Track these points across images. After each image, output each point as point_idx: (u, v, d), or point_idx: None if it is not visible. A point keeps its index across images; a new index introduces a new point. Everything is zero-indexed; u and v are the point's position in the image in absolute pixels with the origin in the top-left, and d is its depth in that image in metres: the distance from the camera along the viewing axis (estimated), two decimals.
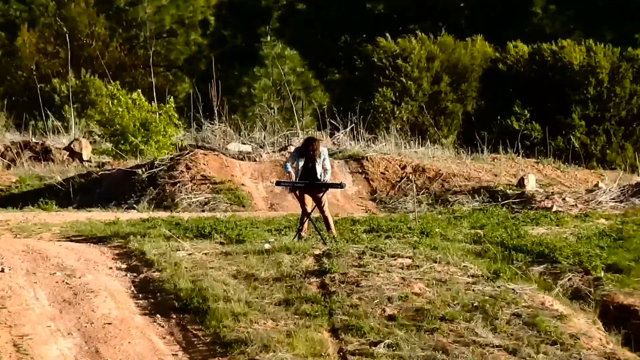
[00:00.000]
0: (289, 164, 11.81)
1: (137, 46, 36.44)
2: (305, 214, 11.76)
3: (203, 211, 17.45)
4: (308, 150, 11.57)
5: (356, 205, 19.51)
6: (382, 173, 21.11)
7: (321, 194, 11.65)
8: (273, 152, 22.89)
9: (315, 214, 12.43)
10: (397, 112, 28.50)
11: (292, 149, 22.71)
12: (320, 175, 11.57)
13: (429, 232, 12.86)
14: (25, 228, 13.11)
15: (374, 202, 19.87)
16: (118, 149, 22.59)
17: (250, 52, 32.51)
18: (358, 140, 24.01)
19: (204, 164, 19.50)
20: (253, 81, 30.41)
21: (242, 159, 21.86)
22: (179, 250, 10.75)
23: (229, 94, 28.68)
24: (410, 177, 20.59)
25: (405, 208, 18.93)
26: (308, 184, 11.66)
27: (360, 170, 21.17)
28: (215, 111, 25.27)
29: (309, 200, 11.75)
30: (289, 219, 14.74)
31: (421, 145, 24.50)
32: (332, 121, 24.76)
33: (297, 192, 11.85)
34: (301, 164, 11.63)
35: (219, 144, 24.06)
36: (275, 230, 13.17)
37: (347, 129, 24.33)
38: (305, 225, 11.89)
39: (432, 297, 9.06)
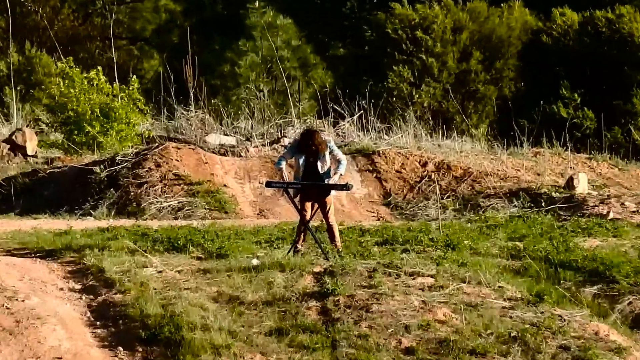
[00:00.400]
0: (283, 161, 11.81)
1: (93, 14, 36.42)
2: (303, 221, 11.76)
3: (176, 218, 17.46)
4: (307, 146, 11.57)
5: (366, 212, 19.52)
6: (397, 171, 21.11)
7: (325, 197, 11.65)
8: (263, 145, 22.90)
9: (315, 221, 12.42)
10: (416, 96, 28.52)
11: (286, 141, 22.76)
12: (325, 174, 11.57)
13: (455, 245, 12.89)
14: None
15: (387, 208, 19.87)
16: (71, 141, 22.59)
17: (234, 21, 32.49)
18: (368, 130, 24.01)
19: (177, 160, 19.49)
20: (238, 57, 30.41)
21: (224, 154, 21.85)
22: (146, 267, 10.74)
23: (207, 73, 28.68)
24: (433, 176, 20.60)
25: (427, 215, 18.94)
26: (305, 185, 11.67)
27: (371, 168, 21.18)
28: (191, 94, 25.26)
29: (309, 205, 11.76)
30: (282, 229, 14.73)
31: (446, 137, 24.51)
32: (335, 107, 24.77)
33: (297, 195, 11.86)
34: (301, 160, 11.64)
35: (196, 136, 24.06)
36: (266, 242, 13.17)
37: (355, 117, 24.33)
38: (302, 234, 11.91)
39: (460, 325, 9.05)
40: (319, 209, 11.84)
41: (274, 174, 19.85)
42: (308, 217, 11.79)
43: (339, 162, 11.66)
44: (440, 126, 25.07)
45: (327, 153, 11.62)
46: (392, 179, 20.81)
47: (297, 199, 11.96)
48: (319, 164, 11.58)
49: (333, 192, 11.84)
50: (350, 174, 20.23)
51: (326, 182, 11.62)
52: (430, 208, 19.25)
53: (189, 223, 15.63)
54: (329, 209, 11.78)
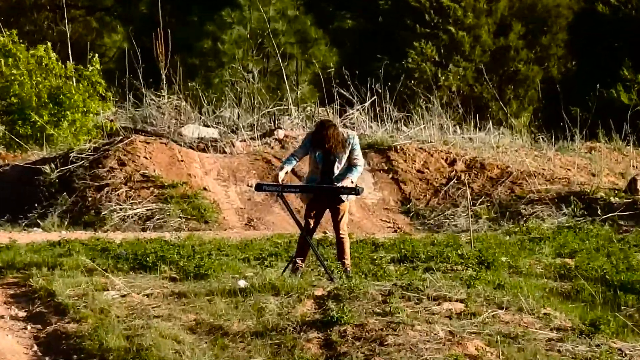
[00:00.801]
0: (291, 162, 11.73)
1: None
2: (306, 233, 11.75)
3: (144, 230, 17.48)
4: (320, 142, 11.58)
5: (379, 221, 19.50)
6: (419, 171, 21.10)
7: (340, 203, 11.65)
8: (252, 139, 22.91)
9: (316, 233, 12.41)
10: (443, 78, 28.53)
11: (280, 134, 22.76)
12: (340, 176, 11.60)
13: (491, 263, 12.94)
14: None
15: (406, 216, 19.85)
16: (14, 134, 22.58)
17: None
18: (382, 120, 24.01)
19: (146, 158, 19.48)
20: (221, 31, 30.41)
21: (204, 150, 21.85)
22: (107, 290, 10.74)
23: (183, 51, 28.68)
24: (463, 177, 20.58)
25: (455, 225, 18.94)
26: (306, 189, 11.69)
27: (386, 167, 21.17)
28: (163, 77, 25.25)
29: (315, 213, 11.76)
30: (275, 242, 14.75)
31: (479, 129, 24.51)
32: (342, 92, 24.76)
33: (303, 200, 11.90)
34: (318, 157, 11.63)
35: (169, 127, 24.07)
36: (255, 259, 13.22)
37: (366, 104, 24.33)
38: (304, 248, 11.91)
39: None
40: (321, 219, 11.85)
41: (265, 174, 19.85)
42: (311, 225, 11.79)
43: (354, 165, 11.66)
44: (472, 115, 25.05)
45: (345, 153, 11.64)
46: (412, 180, 20.81)
47: (298, 204, 11.97)
48: (336, 163, 11.61)
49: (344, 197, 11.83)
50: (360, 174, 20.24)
51: (332, 185, 11.60)
52: (459, 217, 19.25)
53: (160, 235, 15.68)
54: (342, 217, 11.79)
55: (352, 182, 11.61)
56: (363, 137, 22.30)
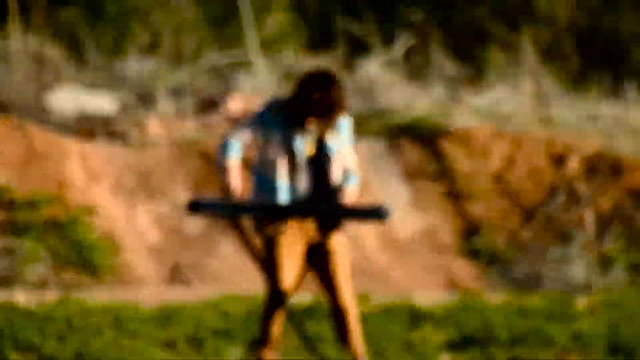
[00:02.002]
0: (234, 149, 11.61)
1: None
2: (277, 296, 11.68)
3: None
4: (324, 110, 11.48)
5: (421, 270, 19.59)
6: (497, 177, 21.18)
7: (332, 237, 11.62)
8: (180, 117, 22.97)
9: (301, 294, 12.38)
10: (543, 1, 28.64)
11: (233, 106, 22.78)
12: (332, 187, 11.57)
13: (633, 349, 12.88)
14: None
15: (472, 259, 19.95)
16: None
17: None
18: (426, 82, 24.11)
19: None
20: None
21: (89, 136, 21.90)
22: None
23: None
24: (579, 188, 20.68)
25: (565, 278, 19.00)
26: (286, 210, 11.59)
27: (433, 170, 21.25)
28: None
29: (296, 261, 11.66)
30: (223, 312, 14.82)
31: (610, 99, 24.56)
32: (350, 27, 24.87)
33: (271, 231, 11.85)
34: (299, 145, 11.53)
35: (24, 94, 24.12)
36: (187, 341, 13.22)
37: (395, 51, 24.44)
38: (275, 327, 11.85)
39: None
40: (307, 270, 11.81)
41: (205, 181, 19.92)
42: (288, 287, 11.69)
43: (348, 172, 11.64)
44: (595, 72, 25.14)
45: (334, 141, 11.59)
46: (481, 192, 20.89)
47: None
48: (330, 160, 11.55)
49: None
50: (380, 182, 20.38)
51: (331, 204, 11.52)
52: (573, 262, 19.32)
53: (7, 298, 15.70)
54: (341, 266, 11.72)
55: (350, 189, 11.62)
56: (387, 114, 22.40)
